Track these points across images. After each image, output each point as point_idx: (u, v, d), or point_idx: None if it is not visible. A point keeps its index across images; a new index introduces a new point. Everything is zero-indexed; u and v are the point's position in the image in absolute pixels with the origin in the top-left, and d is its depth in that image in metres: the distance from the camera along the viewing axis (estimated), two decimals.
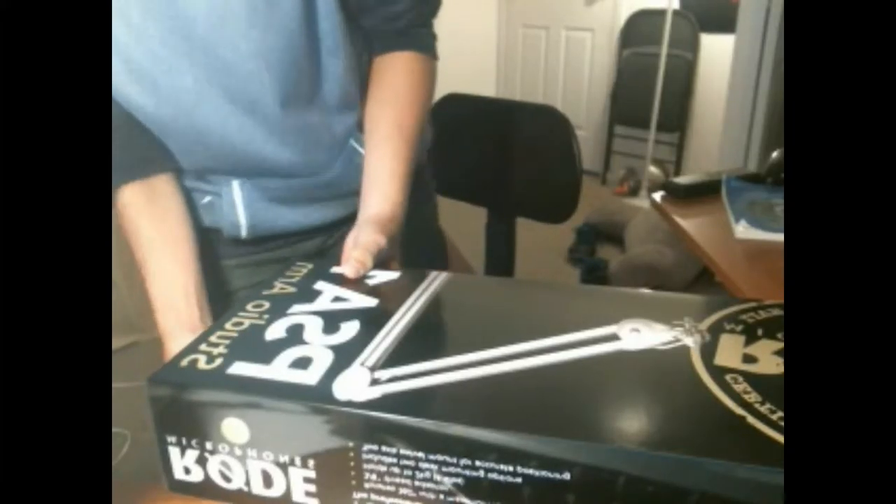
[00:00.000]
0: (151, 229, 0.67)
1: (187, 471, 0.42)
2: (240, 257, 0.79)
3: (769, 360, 0.41)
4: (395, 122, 0.70)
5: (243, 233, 0.74)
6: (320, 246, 0.83)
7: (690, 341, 0.43)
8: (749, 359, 0.41)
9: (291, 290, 0.52)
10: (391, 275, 0.54)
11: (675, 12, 3.09)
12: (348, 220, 0.76)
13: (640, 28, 3.36)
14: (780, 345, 0.42)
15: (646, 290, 0.51)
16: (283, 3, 0.61)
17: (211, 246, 0.77)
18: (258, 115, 0.66)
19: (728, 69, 2.33)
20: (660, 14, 3.13)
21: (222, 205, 0.73)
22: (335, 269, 0.55)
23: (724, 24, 2.72)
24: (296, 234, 0.78)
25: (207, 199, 0.74)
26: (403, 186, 0.67)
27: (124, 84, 0.63)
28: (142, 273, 0.67)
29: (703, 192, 1.38)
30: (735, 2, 2.32)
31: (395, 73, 0.72)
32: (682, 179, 1.43)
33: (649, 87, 3.19)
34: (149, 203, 0.68)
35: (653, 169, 3.34)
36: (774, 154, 1.47)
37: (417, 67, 0.73)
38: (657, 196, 1.42)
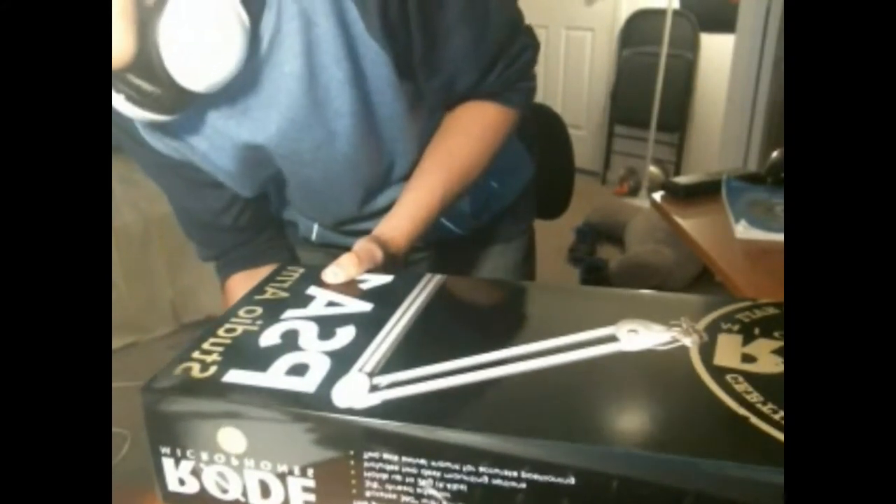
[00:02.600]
0: None
1: (182, 482, 0.41)
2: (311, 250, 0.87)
3: (768, 359, 0.41)
4: (443, 155, 0.69)
5: (313, 237, 0.83)
6: None
7: (689, 341, 0.43)
8: (748, 358, 0.41)
9: (284, 294, 0.51)
10: (385, 278, 0.54)
11: (675, 12, 3.09)
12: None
13: (640, 28, 3.36)
14: (778, 343, 0.42)
15: (642, 291, 0.51)
16: (336, 103, 0.61)
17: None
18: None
19: (728, 69, 2.33)
20: (660, 14, 3.13)
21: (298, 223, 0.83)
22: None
23: (724, 23, 2.72)
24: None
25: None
26: (422, 220, 0.67)
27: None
28: None
29: (703, 192, 1.38)
30: (735, 2, 2.32)
31: (461, 112, 0.71)
32: (682, 179, 1.43)
33: (649, 87, 3.18)
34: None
35: (653, 169, 3.33)
36: (774, 154, 1.47)
37: (490, 113, 0.70)
38: (657, 196, 1.41)
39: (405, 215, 0.66)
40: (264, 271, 0.69)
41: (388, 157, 0.70)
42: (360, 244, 0.59)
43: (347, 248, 0.80)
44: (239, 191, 0.72)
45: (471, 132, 0.70)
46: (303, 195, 0.76)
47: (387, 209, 0.70)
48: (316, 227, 0.83)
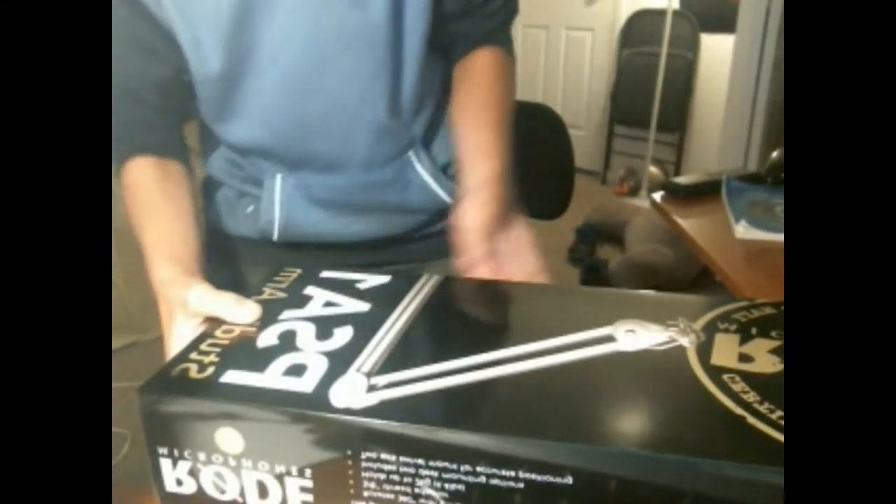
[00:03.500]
0: (158, 193, 0.65)
1: (179, 482, 0.41)
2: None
3: (765, 358, 0.41)
4: (483, 102, 0.68)
5: (276, 234, 0.72)
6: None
7: (686, 341, 0.43)
8: (745, 358, 0.41)
9: (281, 295, 0.51)
10: (382, 278, 0.54)
11: (675, 12, 3.09)
12: (387, 244, 0.75)
13: (640, 28, 3.36)
14: (775, 343, 0.42)
15: (639, 291, 0.51)
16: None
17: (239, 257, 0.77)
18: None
19: (728, 69, 2.33)
20: (660, 14, 3.13)
21: (261, 202, 0.72)
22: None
23: (724, 24, 2.72)
24: (330, 245, 0.74)
25: (251, 208, 0.74)
26: (503, 150, 0.64)
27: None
28: (137, 235, 0.63)
29: (703, 192, 1.38)
30: (735, 2, 2.32)
31: (483, 65, 0.71)
32: (682, 179, 1.43)
33: (649, 87, 3.18)
34: (159, 177, 0.66)
35: (653, 169, 3.33)
36: (774, 154, 1.47)
37: (503, 62, 0.72)
38: (657, 196, 1.41)
39: (490, 149, 0.63)
40: (173, 169, 0.67)
41: (400, 93, 0.67)
42: (478, 212, 0.58)
43: (319, 250, 0.74)
44: (198, 62, 0.63)
45: (496, 75, 0.70)
46: (284, 94, 0.65)
47: (392, 202, 0.68)
48: (279, 205, 0.71)
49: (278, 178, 0.70)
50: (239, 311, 0.48)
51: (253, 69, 0.63)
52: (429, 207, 0.74)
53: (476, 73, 0.70)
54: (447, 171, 0.74)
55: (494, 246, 0.58)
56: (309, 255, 0.75)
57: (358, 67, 0.64)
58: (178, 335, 0.53)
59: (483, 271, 0.57)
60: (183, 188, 0.67)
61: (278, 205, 0.71)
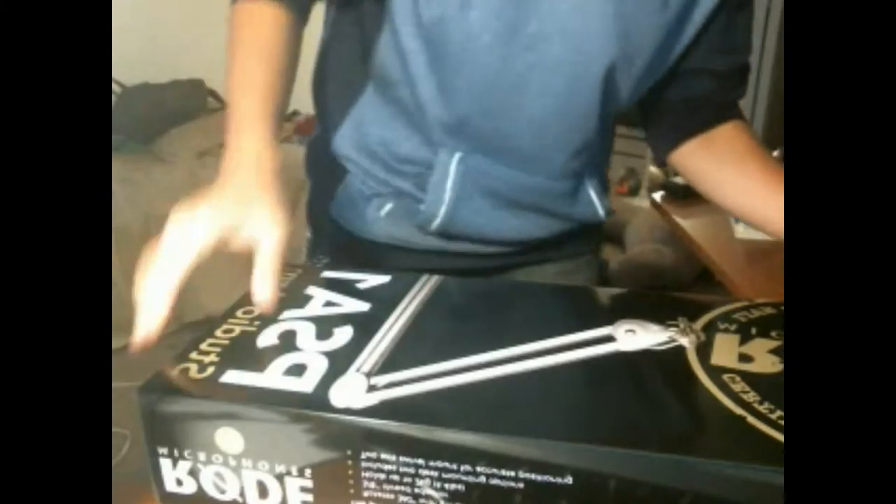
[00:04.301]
0: (254, 36, 0.57)
1: (179, 482, 0.41)
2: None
3: (765, 358, 0.41)
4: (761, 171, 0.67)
5: (436, 223, 0.66)
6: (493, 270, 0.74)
7: (686, 341, 0.43)
8: (745, 358, 0.41)
9: (281, 295, 0.51)
10: (382, 278, 0.54)
11: None
12: (536, 247, 0.73)
13: None
14: (775, 343, 0.42)
15: (639, 291, 0.51)
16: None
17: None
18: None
19: None
20: None
21: (427, 185, 0.65)
22: None
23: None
24: (484, 241, 0.70)
25: (389, 206, 0.68)
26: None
27: None
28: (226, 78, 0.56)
29: None
30: None
31: (745, 137, 0.69)
32: (682, 179, 1.43)
33: None
34: (264, 20, 0.58)
35: (653, 169, 3.33)
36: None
37: (752, 137, 0.69)
38: (657, 196, 1.42)
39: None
40: (288, 19, 0.58)
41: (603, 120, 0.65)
42: None
43: (467, 255, 0.70)
44: None
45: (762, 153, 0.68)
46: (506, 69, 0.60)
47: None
48: (449, 188, 0.65)
49: (456, 156, 0.64)
50: (259, 288, 0.45)
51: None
52: (588, 220, 0.75)
53: (740, 143, 0.68)
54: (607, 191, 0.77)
55: None
56: (449, 260, 0.70)
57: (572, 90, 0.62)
58: (178, 231, 0.46)
59: None
60: (282, 44, 0.59)
61: (449, 187, 0.65)
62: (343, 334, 0.45)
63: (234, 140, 0.51)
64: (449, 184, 0.65)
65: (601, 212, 0.75)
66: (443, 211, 0.66)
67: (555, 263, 0.78)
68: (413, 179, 0.67)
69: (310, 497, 0.39)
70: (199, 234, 0.45)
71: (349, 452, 0.38)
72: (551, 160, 0.66)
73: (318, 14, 0.67)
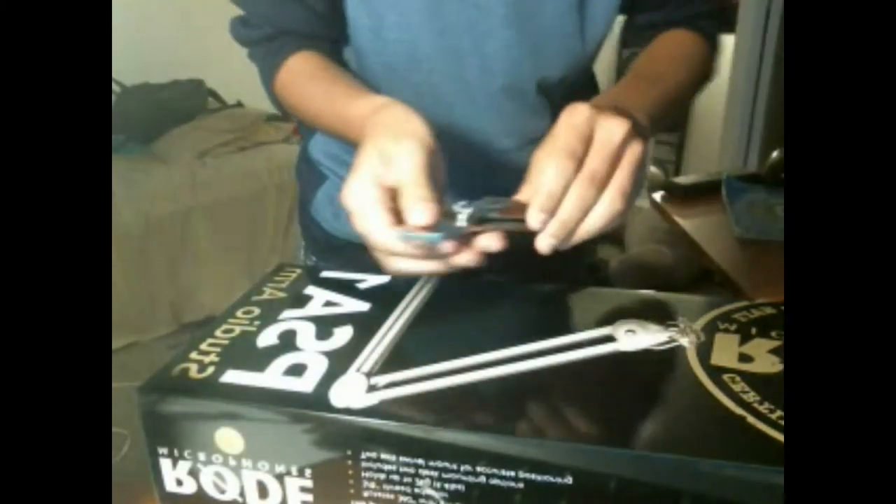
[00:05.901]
0: (329, 78, 0.61)
1: (179, 482, 0.41)
2: None
3: (765, 358, 0.41)
4: (650, 70, 0.64)
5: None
6: None
7: (686, 341, 0.43)
8: (745, 358, 0.41)
9: (281, 295, 0.51)
10: (382, 278, 0.54)
11: None
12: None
13: None
14: (775, 343, 0.42)
15: (639, 291, 0.51)
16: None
17: None
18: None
19: (728, 69, 2.32)
20: None
21: None
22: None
23: (724, 24, 2.72)
24: None
25: None
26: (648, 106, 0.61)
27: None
28: (318, 122, 0.61)
29: (703, 192, 1.38)
30: (735, 1, 2.32)
31: (656, 44, 0.67)
32: (682, 179, 1.43)
33: None
34: (321, 65, 0.63)
35: (653, 169, 3.33)
36: (774, 154, 1.47)
37: (686, 40, 0.66)
38: (657, 196, 1.42)
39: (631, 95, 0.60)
40: (323, 61, 0.63)
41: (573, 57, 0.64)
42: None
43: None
44: None
45: (674, 55, 0.65)
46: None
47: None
48: None
49: None
50: (416, 208, 0.44)
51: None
52: None
53: (650, 50, 0.67)
54: None
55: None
56: None
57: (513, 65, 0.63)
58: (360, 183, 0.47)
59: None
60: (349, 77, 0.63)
61: None
62: (343, 334, 0.45)
63: (355, 116, 0.54)
64: None
65: None
66: None
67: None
68: None
69: (310, 497, 0.39)
70: (369, 200, 0.47)
71: (349, 452, 0.38)
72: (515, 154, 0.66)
73: None
